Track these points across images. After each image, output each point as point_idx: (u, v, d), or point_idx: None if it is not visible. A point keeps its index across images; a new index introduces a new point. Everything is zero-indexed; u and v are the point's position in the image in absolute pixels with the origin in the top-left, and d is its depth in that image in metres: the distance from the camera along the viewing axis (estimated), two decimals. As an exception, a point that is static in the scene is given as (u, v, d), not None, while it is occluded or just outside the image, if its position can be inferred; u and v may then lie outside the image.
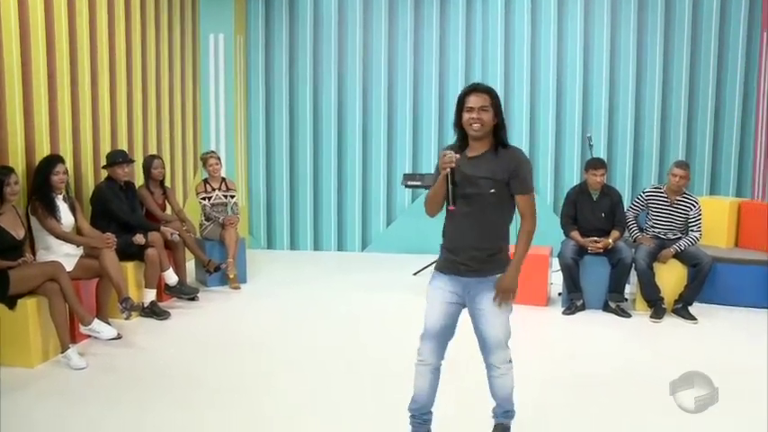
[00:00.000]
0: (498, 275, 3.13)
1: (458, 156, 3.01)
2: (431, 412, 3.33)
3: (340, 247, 9.11)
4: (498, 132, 3.12)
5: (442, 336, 3.21)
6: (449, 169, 2.99)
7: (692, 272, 5.96)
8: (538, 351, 5.08)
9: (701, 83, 8.49)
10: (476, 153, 3.12)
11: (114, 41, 6.51)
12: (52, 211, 4.99)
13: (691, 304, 5.95)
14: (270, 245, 9.21)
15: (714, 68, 8.43)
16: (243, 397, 4.08)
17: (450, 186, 3.00)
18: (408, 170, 8.79)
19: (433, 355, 3.22)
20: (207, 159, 7.12)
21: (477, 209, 3.08)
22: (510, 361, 3.24)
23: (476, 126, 3.03)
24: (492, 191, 3.04)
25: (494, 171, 3.06)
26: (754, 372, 4.62)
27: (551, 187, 8.76)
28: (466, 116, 3.05)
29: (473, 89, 3.08)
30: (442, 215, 3.22)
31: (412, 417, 3.32)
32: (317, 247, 9.15)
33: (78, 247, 5.22)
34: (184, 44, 8.11)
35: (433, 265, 3.39)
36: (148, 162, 6.52)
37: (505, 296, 3.11)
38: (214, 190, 7.07)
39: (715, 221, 6.67)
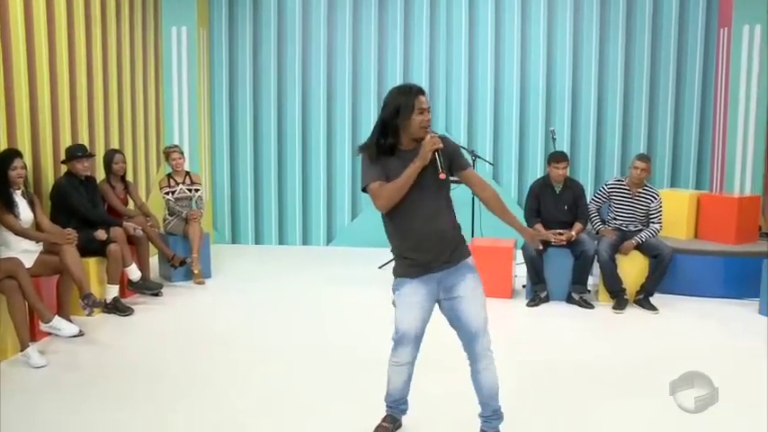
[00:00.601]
0: (468, 260, 3.21)
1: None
2: (407, 401, 3.46)
3: (305, 242, 9.08)
4: None
5: (419, 338, 3.25)
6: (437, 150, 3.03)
7: (653, 263, 6.06)
8: (503, 342, 5.10)
9: (661, 78, 8.64)
10: (410, 147, 3.12)
11: (74, 33, 6.39)
12: (10, 206, 4.88)
13: (652, 295, 6.06)
14: (234, 239, 9.14)
15: (674, 64, 8.59)
16: (209, 392, 4.05)
17: (440, 160, 3.03)
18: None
19: (410, 356, 3.27)
20: (170, 153, 7.04)
21: (434, 201, 3.12)
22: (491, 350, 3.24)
23: (427, 127, 3.09)
24: (441, 176, 3.06)
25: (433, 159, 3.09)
26: (712, 358, 4.73)
27: (515, 180, 8.84)
28: (419, 118, 3.05)
29: (421, 90, 3.10)
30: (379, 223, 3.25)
31: (389, 407, 3.45)
32: (281, 241, 9.11)
33: (38, 243, 5.12)
34: (146, 37, 7.99)
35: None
36: (109, 156, 6.42)
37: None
38: (178, 184, 7.00)
39: (675, 213, 6.79)
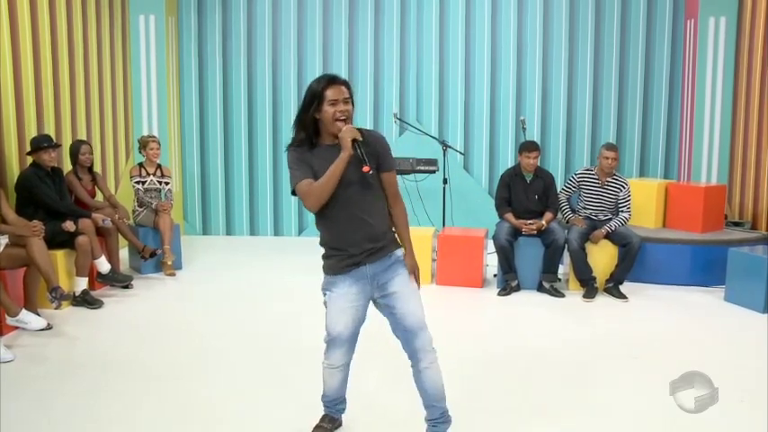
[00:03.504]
0: (398, 252, 3.05)
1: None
2: (345, 399, 3.37)
3: (277, 232, 9.05)
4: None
5: (354, 339, 3.14)
6: (357, 139, 2.87)
7: (622, 252, 6.14)
8: (474, 331, 5.17)
9: (630, 69, 8.74)
10: (332, 142, 2.94)
11: (37, 20, 6.27)
12: (-26, 199, 4.79)
13: (621, 283, 6.14)
14: (205, 230, 9.07)
15: (642, 55, 8.70)
16: (180, 384, 4.03)
17: (360, 151, 2.86)
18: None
19: (344, 358, 3.16)
20: (147, 143, 6.92)
21: (361, 195, 2.96)
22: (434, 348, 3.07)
23: (343, 118, 2.89)
24: (371, 172, 2.90)
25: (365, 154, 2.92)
26: (681, 344, 4.83)
27: (486, 170, 8.88)
28: (330, 110, 2.87)
29: (332, 81, 2.92)
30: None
31: (326, 406, 3.36)
32: (253, 232, 9.07)
33: (3, 235, 5.02)
34: (113, 25, 7.86)
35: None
36: (76, 147, 6.31)
37: (417, 273, 3.09)
38: (149, 175, 6.91)
39: (644, 202, 6.89)
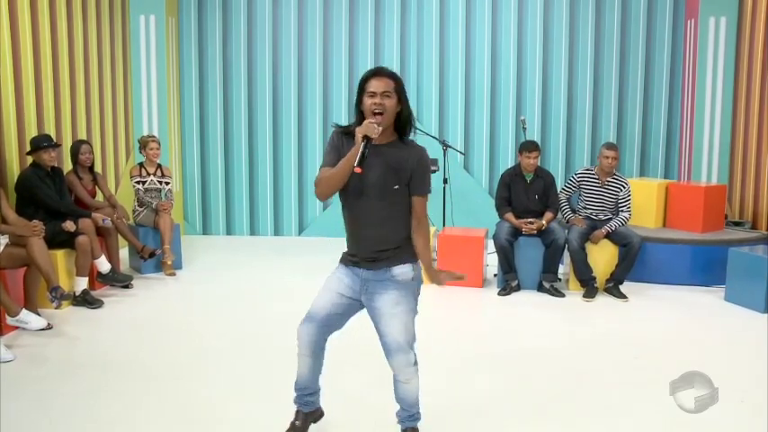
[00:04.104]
0: (398, 270, 2.94)
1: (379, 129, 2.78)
2: (316, 391, 3.27)
3: (277, 232, 9.04)
4: (401, 122, 2.91)
5: (325, 323, 3.07)
6: (367, 136, 2.75)
7: (623, 251, 6.13)
8: (474, 331, 5.16)
9: (630, 69, 8.73)
10: (377, 142, 2.84)
11: (37, 21, 6.27)
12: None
13: (621, 283, 6.14)
14: (206, 230, 9.07)
15: (642, 55, 8.69)
16: (180, 384, 4.03)
17: (363, 150, 2.73)
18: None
19: (309, 336, 3.10)
20: (147, 142, 6.91)
21: (378, 200, 2.89)
22: (415, 364, 3.02)
23: (378, 111, 2.79)
24: (396, 187, 2.85)
25: (397, 165, 2.86)
26: (681, 344, 4.83)
27: (486, 170, 8.88)
28: (368, 101, 2.81)
29: (375, 73, 2.86)
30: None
31: (296, 394, 3.27)
32: (253, 231, 9.06)
33: (3, 235, 5.03)
34: (114, 25, 7.86)
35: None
36: (76, 147, 6.31)
37: (443, 278, 3.05)
38: (149, 175, 6.91)
39: (644, 202, 6.89)
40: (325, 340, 3.13)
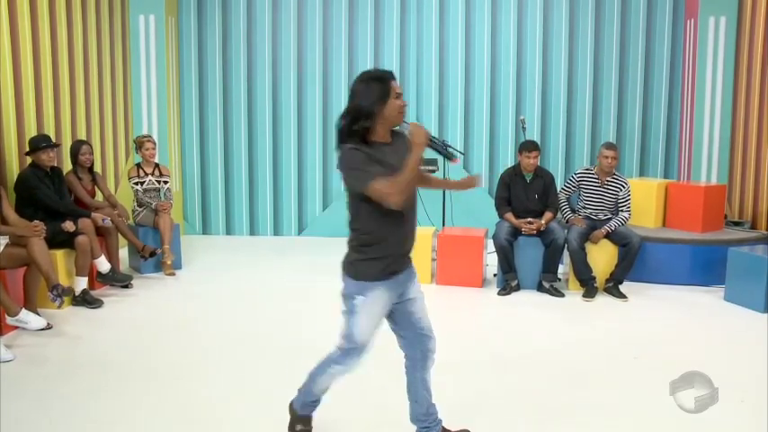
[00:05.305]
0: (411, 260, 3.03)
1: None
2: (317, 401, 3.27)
3: (276, 232, 9.04)
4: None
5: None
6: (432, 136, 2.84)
7: (622, 251, 6.13)
8: (474, 331, 5.17)
9: (630, 68, 8.74)
10: (384, 140, 2.81)
11: (37, 21, 6.27)
12: (-26, 200, 4.79)
13: (621, 283, 6.14)
14: (205, 230, 9.07)
15: (642, 55, 8.70)
16: (180, 384, 4.03)
17: (442, 146, 2.92)
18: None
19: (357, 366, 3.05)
20: (143, 143, 6.91)
21: (415, 201, 2.95)
22: None
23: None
24: (432, 168, 2.94)
25: (406, 153, 2.76)
26: (680, 344, 4.83)
27: (486, 170, 8.88)
28: (397, 103, 2.75)
29: (392, 75, 2.80)
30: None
31: (309, 407, 3.25)
32: (253, 231, 9.06)
33: (3, 235, 5.02)
34: (113, 25, 7.86)
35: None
36: (75, 147, 6.31)
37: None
38: (147, 175, 6.91)
39: (644, 202, 6.89)
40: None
